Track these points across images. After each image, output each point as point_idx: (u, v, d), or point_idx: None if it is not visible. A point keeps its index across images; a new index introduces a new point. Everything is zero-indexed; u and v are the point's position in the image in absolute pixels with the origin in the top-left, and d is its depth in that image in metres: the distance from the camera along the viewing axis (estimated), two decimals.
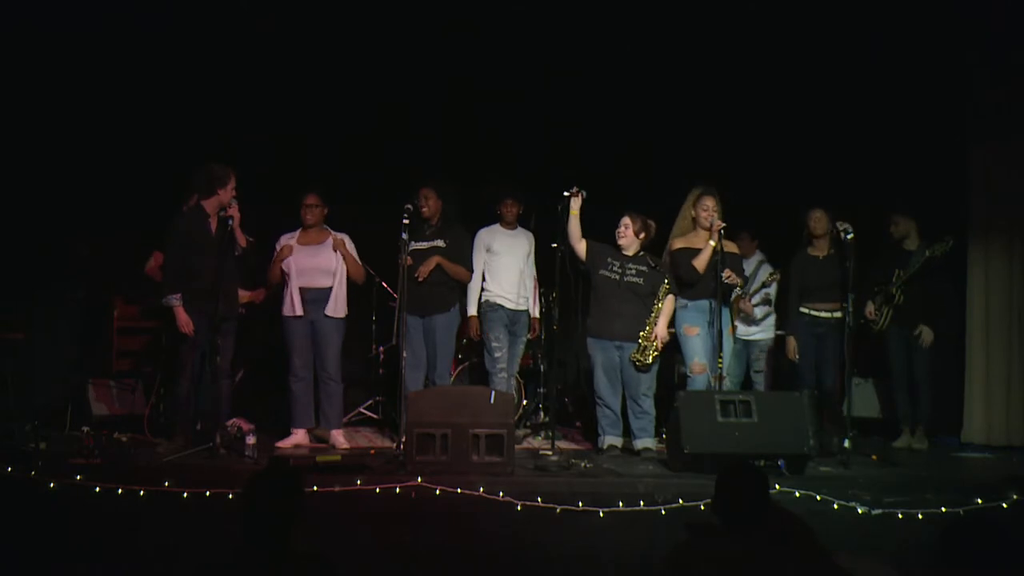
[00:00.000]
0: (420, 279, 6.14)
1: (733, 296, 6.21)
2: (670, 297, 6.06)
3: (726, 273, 5.87)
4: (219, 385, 5.71)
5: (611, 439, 6.09)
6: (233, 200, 5.74)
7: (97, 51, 6.75)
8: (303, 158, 7.43)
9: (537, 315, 6.88)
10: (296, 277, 6.06)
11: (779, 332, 6.98)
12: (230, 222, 5.68)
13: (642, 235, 6.14)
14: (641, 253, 6.16)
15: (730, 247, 6.14)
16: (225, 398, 5.85)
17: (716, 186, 6.15)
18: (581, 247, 6.11)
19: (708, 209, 6.03)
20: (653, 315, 6.02)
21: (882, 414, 7.16)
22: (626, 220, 6.12)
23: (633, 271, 6.07)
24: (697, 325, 6.02)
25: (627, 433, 6.17)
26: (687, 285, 6.07)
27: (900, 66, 6.89)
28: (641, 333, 6.00)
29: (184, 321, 5.62)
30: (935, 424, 6.71)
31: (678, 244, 6.17)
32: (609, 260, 6.10)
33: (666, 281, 6.04)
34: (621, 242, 6.12)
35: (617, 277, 6.06)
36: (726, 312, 6.07)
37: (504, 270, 6.61)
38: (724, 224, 5.94)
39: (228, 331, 5.80)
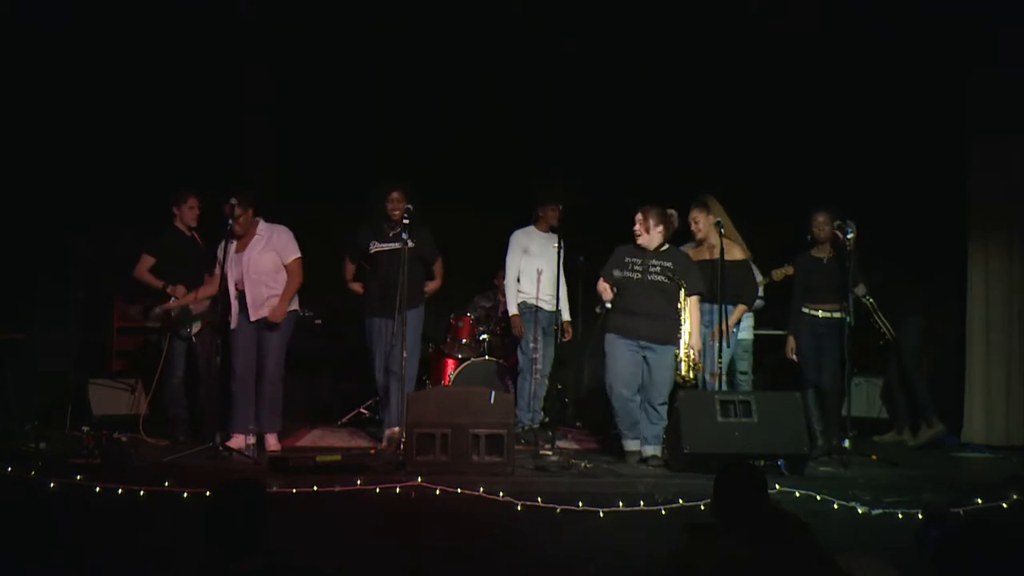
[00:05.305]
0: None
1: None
2: (694, 300, 5.79)
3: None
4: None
5: (631, 444, 5.80)
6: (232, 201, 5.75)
7: (98, 51, 6.76)
8: (303, 158, 7.45)
9: (568, 317, 6.78)
10: (232, 286, 5.93)
11: (769, 332, 7.00)
12: (230, 222, 5.73)
13: (660, 228, 5.83)
14: (664, 248, 5.87)
15: (736, 254, 6.07)
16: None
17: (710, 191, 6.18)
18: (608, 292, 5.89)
19: (694, 223, 6.10)
20: (683, 326, 5.75)
21: (880, 413, 7.18)
22: (637, 216, 5.82)
23: (657, 268, 5.76)
24: None
25: None
26: None
27: (900, 65, 6.89)
28: (676, 352, 5.74)
29: None
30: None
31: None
32: (627, 260, 5.82)
33: (682, 285, 5.75)
34: (640, 241, 5.83)
35: (639, 276, 5.77)
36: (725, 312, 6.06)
37: (536, 271, 6.60)
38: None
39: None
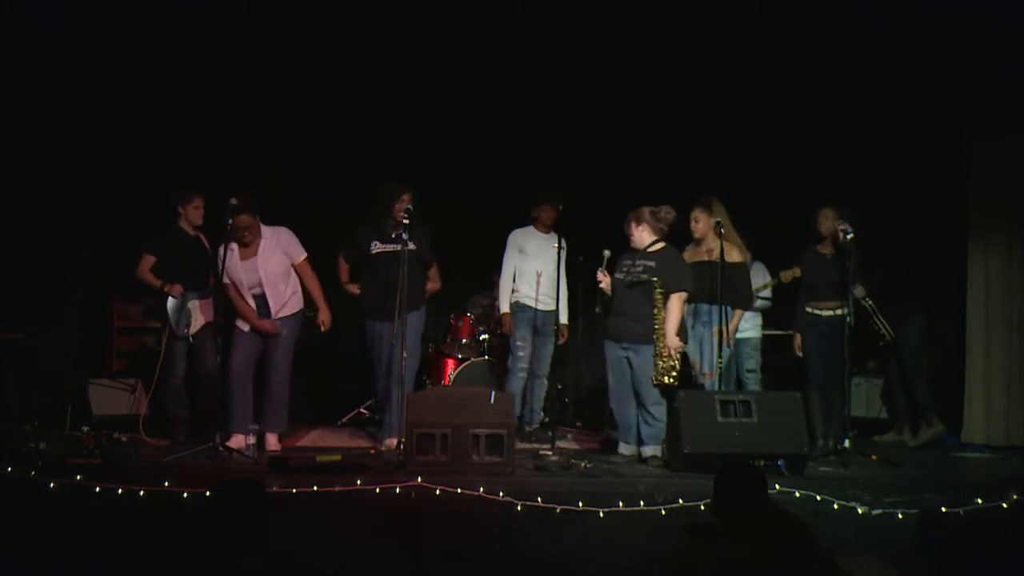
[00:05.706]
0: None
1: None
2: (675, 299, 5.68)
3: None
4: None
5: (621, 446, 5.89)
6: (232, 204, 5.73)
7: (98, 51, 6.77)
8: (303, 158, 7.45)
9: (566, 320, 6.72)
10: (246, 291, 5.92)
11: (775, 332, 7.00)
12: (230, 223, 5.72)
13: (642, 227, 5.82)
14: (654, 247, 5.83)
15: (734, 256, 6.03)
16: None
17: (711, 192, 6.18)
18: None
19: (695, 222, 6.10)
20: (658, 326, 5.67)
21: (880, 413, 7.18)
22: (627, 218, 5.89)
23: (640, 267, 5.74)
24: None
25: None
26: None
27: (900, 65, 6.89)
28: (653, 352, 5.68)
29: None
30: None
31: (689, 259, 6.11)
32: (623, 262, 5.89)
33: (656, 286, 5.67)
34: (632, 243, 5.88)
35: (624, 276, 5.81)
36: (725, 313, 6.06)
37: (535, 272, 6.59)
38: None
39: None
